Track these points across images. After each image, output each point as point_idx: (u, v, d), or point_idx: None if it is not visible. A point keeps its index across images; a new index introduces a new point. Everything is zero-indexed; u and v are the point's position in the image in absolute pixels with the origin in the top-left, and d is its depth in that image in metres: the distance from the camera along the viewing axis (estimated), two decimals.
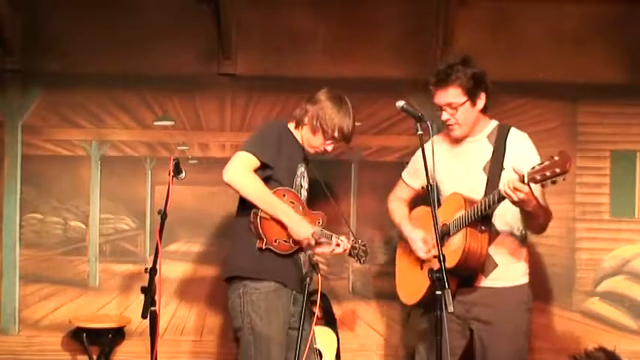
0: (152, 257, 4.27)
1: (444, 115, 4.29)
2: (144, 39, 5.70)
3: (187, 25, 5.72)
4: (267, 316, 4.27)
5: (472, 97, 4.26)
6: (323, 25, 5.73)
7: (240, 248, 4.35)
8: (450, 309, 3.70)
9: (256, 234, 4.27)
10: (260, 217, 4.26)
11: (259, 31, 5.74)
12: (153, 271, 4.19)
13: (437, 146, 4.50)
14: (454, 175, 4.33)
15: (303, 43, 5.73)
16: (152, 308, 4.16)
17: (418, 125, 4.07)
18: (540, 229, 4.28)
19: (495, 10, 5.73)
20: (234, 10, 5.64)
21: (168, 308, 5.66)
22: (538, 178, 3.73)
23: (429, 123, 4.09)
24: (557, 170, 3.68)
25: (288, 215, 4.32)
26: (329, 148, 4.52)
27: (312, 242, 4.39)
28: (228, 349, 5.57)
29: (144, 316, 4.16)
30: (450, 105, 4.26)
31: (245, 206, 4.31)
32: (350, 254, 4.57)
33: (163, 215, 4.28)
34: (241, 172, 4.21)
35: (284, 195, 4.33)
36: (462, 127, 4.29)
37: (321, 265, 4.47)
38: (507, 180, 3.87)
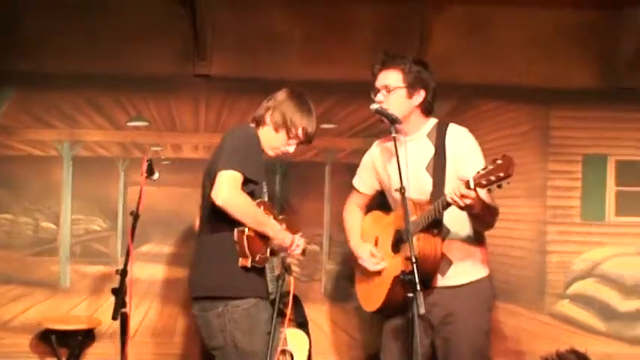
0: (124, 258, 4.24)
1: (378, 97, 4.27)
2: (118, 39, 5.66)
3: (163, 26, 5.69)
4: (250, 333, 4.19)
5: (410, 88, 4.25)
6: (299, 26, 5.71)
7: (218, 266, 4.22)
8: (422, 311, 3.68)
9: (241, 252, 4.16)
10: (247, 236, 4.16)
11: (235, 33, 5.71)
12: (124, 273, 4.17)
13: (380, 149, 4.54)
14: (397, 177, 4.27)
15: (279, 45, 5.70)
16: (123, 310, 4.14)
17: (393, 128, 4.07)
18: (488, 226, 4.28)
19: (470, 15, 5.74)
20: (210, 11, 5.60)
21: (139, 310, 5.59)
22: (484, 182, 3.73)
23: (404, 125, 4.08)
24: (501, 174, 3.68)
25: (273, 227, 4.27)
26: (291, 149, 4.43)
27: (293, 248, 4.36)
28: (199, 350, 5.51)
29: (114, 318, 4.12)
30: (386, 87, 4.26)
31: (220, 222, 4.16)
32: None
33: (135, 216, 4.26)
34: (235, 195, 4.08)
35: (261, 207, 4.26)
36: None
37: (293, 267, 4.43)
38: (453, 187, 3.86)
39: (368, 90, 4.36)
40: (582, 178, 5.77)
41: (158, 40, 5.68)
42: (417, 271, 3.74)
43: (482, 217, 4.12)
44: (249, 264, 4.15)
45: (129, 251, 4.17)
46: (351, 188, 4.70)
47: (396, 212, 4.34)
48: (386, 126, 4.20)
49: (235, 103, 5.64)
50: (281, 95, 4.40)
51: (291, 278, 4.22)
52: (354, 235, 4.62)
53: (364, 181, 4.64)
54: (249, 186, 4.16)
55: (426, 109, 4.33)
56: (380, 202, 4.64)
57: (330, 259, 5.75)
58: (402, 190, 3.91)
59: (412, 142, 4.25)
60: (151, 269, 5.66)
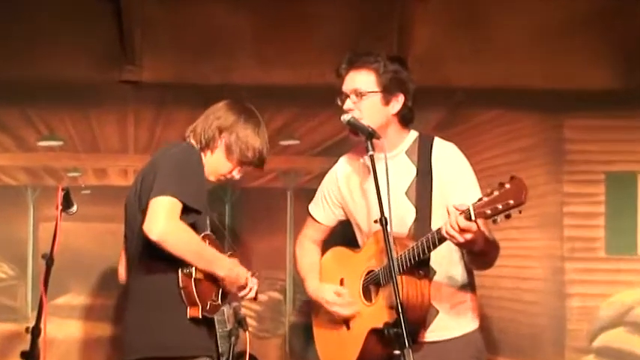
0: (35, 313, 4.22)
1: (347, 104, 4.28)
2: (28, 40, 5.68)
3: (82, 23, 5.71)
4: None
5: (386, 92, 4.27)
6: (250, 21, 5.76)
7: (160, 319, 4.21)
8: None
9: (189, 301, 4.15)
10: (195, 279, 4.15)
11: (170, 30, 5.76)
12: (36, 331, 4.14)
13: (345, 169, 4.56)
14: (371, 204, 4.30)
15: (226, 44, 5.75)
16: None
17: (369, 143, 4.08)
18: (488, 266, 4.30)
19: (461, 4, 5.81)
20: (140, 4, 5.65)
21: None
22: (488, 212, 3.72)
23: (383, 140, 4.08)
24: (511, 202, 3.67)
25: (223, 264, 4.28)
26: (239, 175, 4.52)
27: (249, 284, 4.38)
28: None
29: None
30: (356, 91, 4.28)
31: (156, 261, 4.16)
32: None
33: (49, 260, 4.25)
34: (173, 227, 4.07)
35: (206, 242, 4.27)
36: None
37: (249, 321, 4.42)
38: (451, 220, 3.83)
39: (337, 97, 4.36)
40: (606, 202, 5.80)
41: (76, 41, 5.71)
42: (405, 322, 3.74)
43: (485, 255, 4.14)
44: (199, 314, 4.15)
45: (42, 304, 4.16)
46: None
47: (367, 249, 4.36)
48: (359, 141, 4.23)
49: (172, 116, 5.65)
50: (227, 114, 4.47)
51: (247, 334, 4.26)
52: (311, 276, 4.62)
53: (325, 209, 4.65)
54: (191, 216, 4.18)
55: (405, 119, 4.36)
56: (342, 235, 4.67)
57: (295, 309, 5.77)
58: (382, 221, 3.91)
59: (389, 161, 4.22)
60: (70, 326, 5.65)
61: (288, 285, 5.71)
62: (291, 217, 5.72)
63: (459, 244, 3.92)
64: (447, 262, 4.25)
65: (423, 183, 4.26)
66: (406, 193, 4.28)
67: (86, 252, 5.61)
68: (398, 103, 4.29)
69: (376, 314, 4.16)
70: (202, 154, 4.39)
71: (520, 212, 3.68)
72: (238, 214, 5.68)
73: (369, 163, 4.07)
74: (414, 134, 4.40)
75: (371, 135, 4.10)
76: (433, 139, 4.38)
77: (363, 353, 4.27)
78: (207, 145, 4.42)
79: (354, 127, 4.18)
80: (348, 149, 4.65)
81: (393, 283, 3.82)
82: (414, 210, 4.25)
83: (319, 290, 4.52)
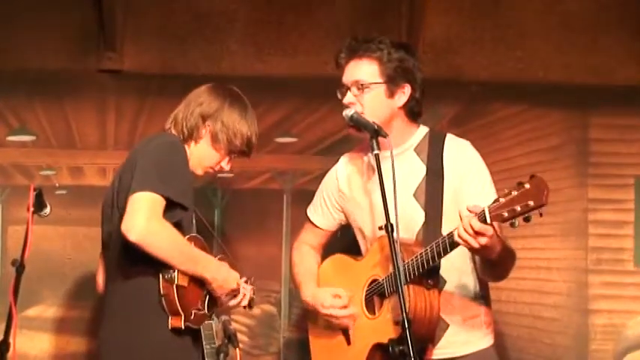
0: (4, 326, 4.21)
1: (347, 97, 4.28)
2: None
3: (57, 6, 5.72)
4: None
5: (391, 83, 4.26)
6: (242, 4, 5.78)
7: (137, 330, 4.21)
8: None
9: (170, 309, 4.15)
10: (177, 286, 4.14)
11: (155, 13, 5.78)
12: (5, 346, 4.14)
13: (347, 169, 4.57)
14: (375, 207, 4.32)
15: (217, 30, 5.77)
16: None
17: (374, 142, 4.07)
18: (502, 277, 4.29)
19: None
20: None
21: None
22: (506, 215, 3.69)
23: (389, 138, 4.09)
24: (531, 203, 3.64)
25: (210, 265, 4.27)
26: (228, 166, 4.52)
27: (242, 290, 4.38)
28: None
29: None
30: (357, 83, 4.27)
31: (135, 266, 4.15)
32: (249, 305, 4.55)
33: (19, 267, 4.24)
34: (155, 226, 4.05)
35: (192, 244, 4.26)
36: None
37: (240, 336, 4.42)
38: (464, 222, 3.82)
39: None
40: (636, 209, 5.82)
41: (50, 25, 5.73)
42: (412, 338, 3.73)
43: (500, 264, 4.13)
44: (182, 324, 4.15)
45: (11, 316, 4.15)
46: None
47: (370, 256, 4.36)
48: (361, 138, 4.25)
49: (156, 110, 5.65)
50: (210, 99, 4.47)
51: (237, 351, 4.26)
52: (307, 281, 4.62)
53: (324, 213, 4.67)
54: (176, 213, 4.17)
55: (413, 112, 4.36)
56: (342, 242, 4.69)
57: (290, 324, 5.78)
58: (388, 227, 3.90)
59: (395, 159, 4.22)
60: (42, 340, 5.65)
61: (284, 297, 5.73)
62: (287, 222, 5.74)
63: (473, 250, 3.92)
64: (458, 270, 4.26)
65: (433, 183, 4.27)
66: (414, 195, 4.28)
67: (60, 258, 5.63)
68: (404, 94, 4.29)
69: (380, 328, 4.16)
70: (186, 146, 4.39)
71: (541, 215, 3.66)
72: (229, 219, 5.69)
73: (373, 162, 4.07)
74: (423, 130, 4.40)
75: (377, 132, 4.08)
76: (445, 135, 4.39)
77: None
78: (191, 135, 4.42)
79: (358, 124, 4.17)
80: (350, 147, 4.66)
81: (399, 294, 3.81)
82: (422, 213, 4.25)
83: (316, 295, 4.51)
